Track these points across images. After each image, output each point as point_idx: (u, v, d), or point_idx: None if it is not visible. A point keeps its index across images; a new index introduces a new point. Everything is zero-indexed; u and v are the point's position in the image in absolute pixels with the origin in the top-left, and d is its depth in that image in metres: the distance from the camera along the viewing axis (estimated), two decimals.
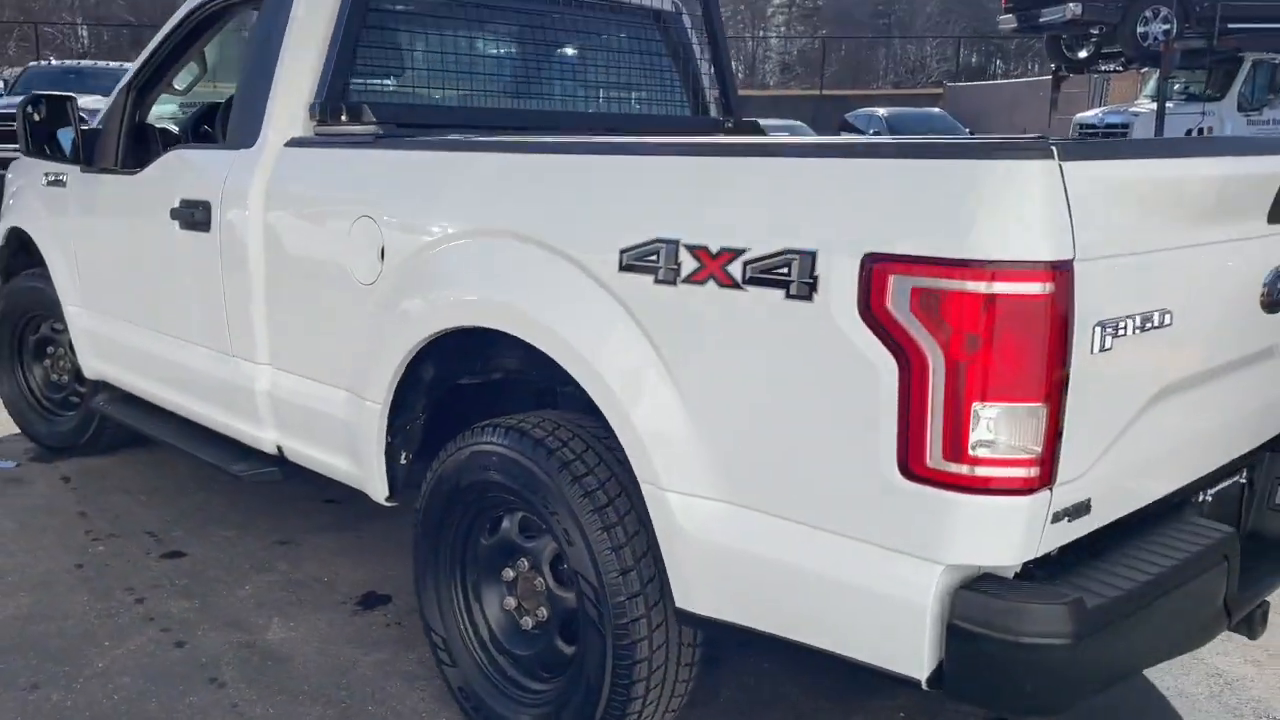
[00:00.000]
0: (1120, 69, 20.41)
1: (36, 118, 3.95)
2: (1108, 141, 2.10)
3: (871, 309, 1.85)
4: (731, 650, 3.08)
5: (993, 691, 1.88)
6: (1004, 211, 1.76)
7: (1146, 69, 19.16)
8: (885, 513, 1.91)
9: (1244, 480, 2.59)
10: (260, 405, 3.39)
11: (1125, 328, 1.89)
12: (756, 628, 2.16)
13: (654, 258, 2.18)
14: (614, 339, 2.27)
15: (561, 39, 3.72)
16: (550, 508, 2.43)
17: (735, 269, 2.05)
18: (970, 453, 1.80)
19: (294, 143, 3.23)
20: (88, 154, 4.03)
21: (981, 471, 1.81)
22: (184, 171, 3.65)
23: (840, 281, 1.89)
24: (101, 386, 4.41)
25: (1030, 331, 1.76)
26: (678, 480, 2.20)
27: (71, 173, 4.27)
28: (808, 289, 1.94)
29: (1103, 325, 1.84)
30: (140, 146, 4.03)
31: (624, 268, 2.24)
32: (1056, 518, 1.88)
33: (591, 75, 3.82)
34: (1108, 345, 1.86)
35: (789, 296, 1.97)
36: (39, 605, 3.48)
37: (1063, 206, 1.75)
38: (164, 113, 5.16)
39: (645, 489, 2.26)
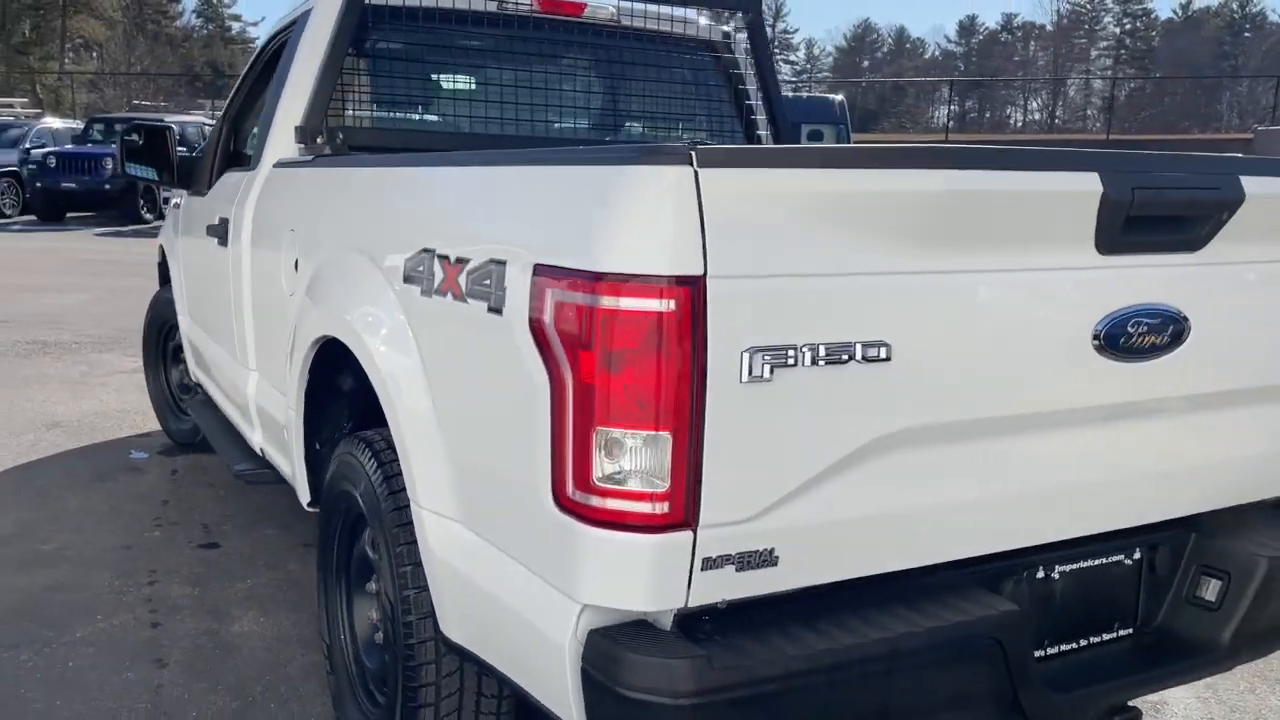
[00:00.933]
0: None
1: (135, 144, 4.43)
2: (777, 149, 1.78)
3: (532, 324, 1.74)
4: None
5: None
6: (629, 221, 1.60)
7: None
8: (546, 544, 1.77)
9: (1134, 561, 2.18)
10: (250, 408, 3.61)
11: (796, 358, 1.64)
12: (488, 662, 2.06)
13: (421, 269, 2.16)
14: (395, 350, 2.26)
15: (532, 65, 3.74)
16: (372, 521, 2.44)
17: (463, 280, 1.99)
18: (595, 483, 1.64)
19: (279, 164, 3.44)
20: (184, 178, 4.48)
21: (606, 504, 1.64)
22: (224, 191, 3.97)
23: (518, 294, 1.79)
24: (198, 389, 4.86)
25: (651, 353, 1.59)
26: (429, 498, 2.14)
27: (183, 196, 4.77)
28: (500, 301, 1.85)
29: (757, 352, 1.62)
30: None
31: (405, 279, 2.23)
32: (711, 564, 1.67)
33: (564, 100, 3.80)
34: (765, 375, 1.63)
35: (489, 309, 1.89)
36: (69, 577, 3.87)
37: (694, 218, 1.57)
38: None
39: (411, 506, 2.22)
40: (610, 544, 1.65)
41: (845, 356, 1.69)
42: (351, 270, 2.53)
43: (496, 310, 1.86)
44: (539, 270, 1.73)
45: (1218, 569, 2.22)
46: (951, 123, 64.18)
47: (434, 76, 3.73)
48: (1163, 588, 2.24)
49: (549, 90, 3.74)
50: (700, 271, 1.57)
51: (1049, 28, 73.97)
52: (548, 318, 1.70)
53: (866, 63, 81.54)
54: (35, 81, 44.15)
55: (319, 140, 3.37)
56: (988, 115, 71.78)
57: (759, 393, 1.64)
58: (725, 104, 4.25)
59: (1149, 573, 2.21)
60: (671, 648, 1.64)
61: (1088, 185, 1.84)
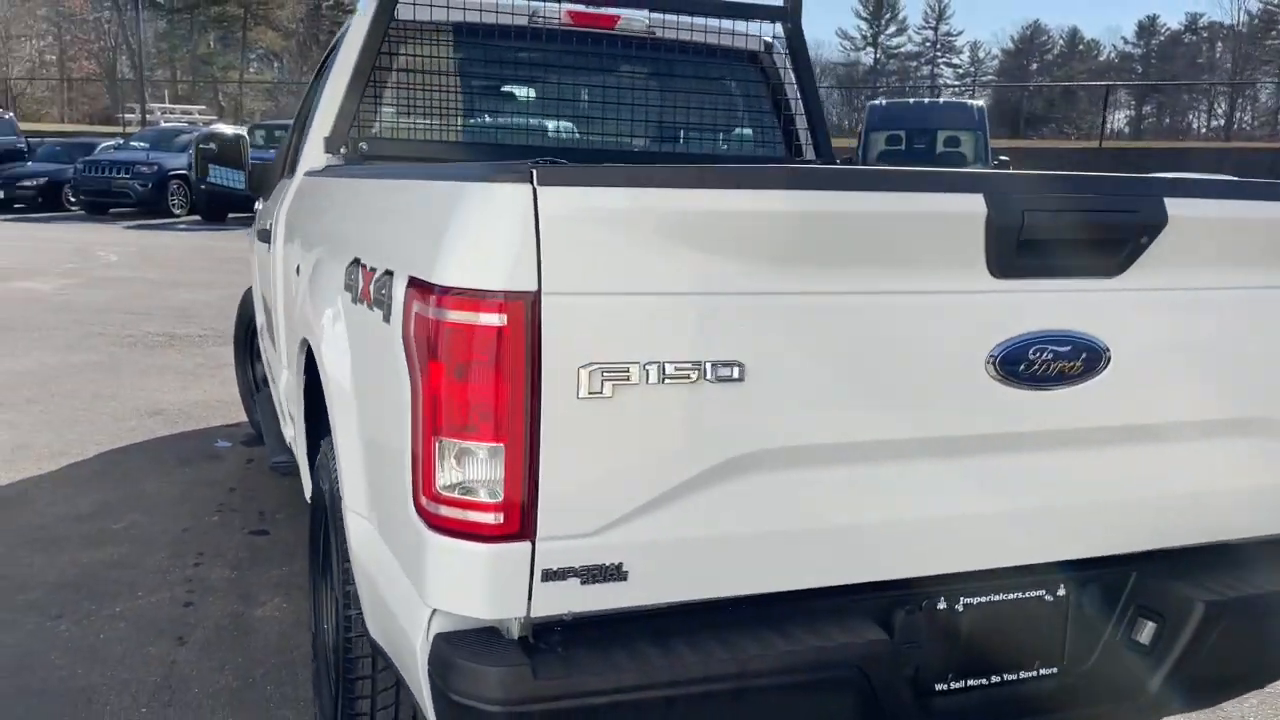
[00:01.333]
0: None
1: (210, 152, 4.70)
2: (625, 168, 1.75)
3: (403, 335, 1.81)
4: None
5: None
6: (469, 237, 1.65)
7: None
8: (410, 548, 1.83)
9: (1057, 598, 2.09)
10: (284, 403, 3.81)
11: (638, 375, 1.65)
12: (391, 660, 2.12)
13: (352, 277, 2.25)
14: (336, 353, 2.35)
15: (555, 78, 3.80)
16: (331, 517, 2.55)
17: (372, 289, 2.07)
18: (439, 491, 1.69)
19: (308, 173, 3.62)
20: (256, 185, 4.74)
21: (449, 513, 1.69)
22: (274, 197, 4.19)
23: (398, 304, 1.85)
24: (265, 384, 5.13)
25: (486, 366, 1.62)
26: (352, 498, 2.23)
27: (261, 200, 5.05)
28: (389, 311, 1.92)
29: (595, 368, 1.64)
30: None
31: (344, 286, 2.33)
32: (552, 576, 1.69)
33: (588, 112, 3.85)
34: (604, 391, 1.64)
35: (384, 318, 1.96)
36: (126, 555, 4.15)
37: (531, 234, 1.60)
38: None
39: (343, 504, 2.31)
40: (453, 551, 1.70)
41: (694, 375, 1.69)
42: (322, 277, 2.65)
43: (387, 319, 1.93)
44: (410, 282, 1.79)
45: (1154, 611, 2.10)
46: (1126, 128, 61.33)
47: (460, 89, 3.84)
48: (1096, 628, 2.13)
49: (573, 103, 3.81)
50: (535, 287, 1.60)
51: (1238, 28, 69.82)
52: (411, 329, 1.76)
53: (1035, 65, 78.68)
54: (217, 90, 47.00)
55: (342, 150, 3.52)
56: (1166, 121, 68.26)
57: (598, 408, 1.65)
58: (765, 114, 4.23)
59: (1077, 611, 2.11)
60: (500, 656, 1.68)
61: (971, 207, 1.78)
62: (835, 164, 4.21)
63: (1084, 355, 1.91)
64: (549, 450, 1.65)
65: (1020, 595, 2.06)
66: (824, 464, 1.82)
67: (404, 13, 3.61)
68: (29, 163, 22.33)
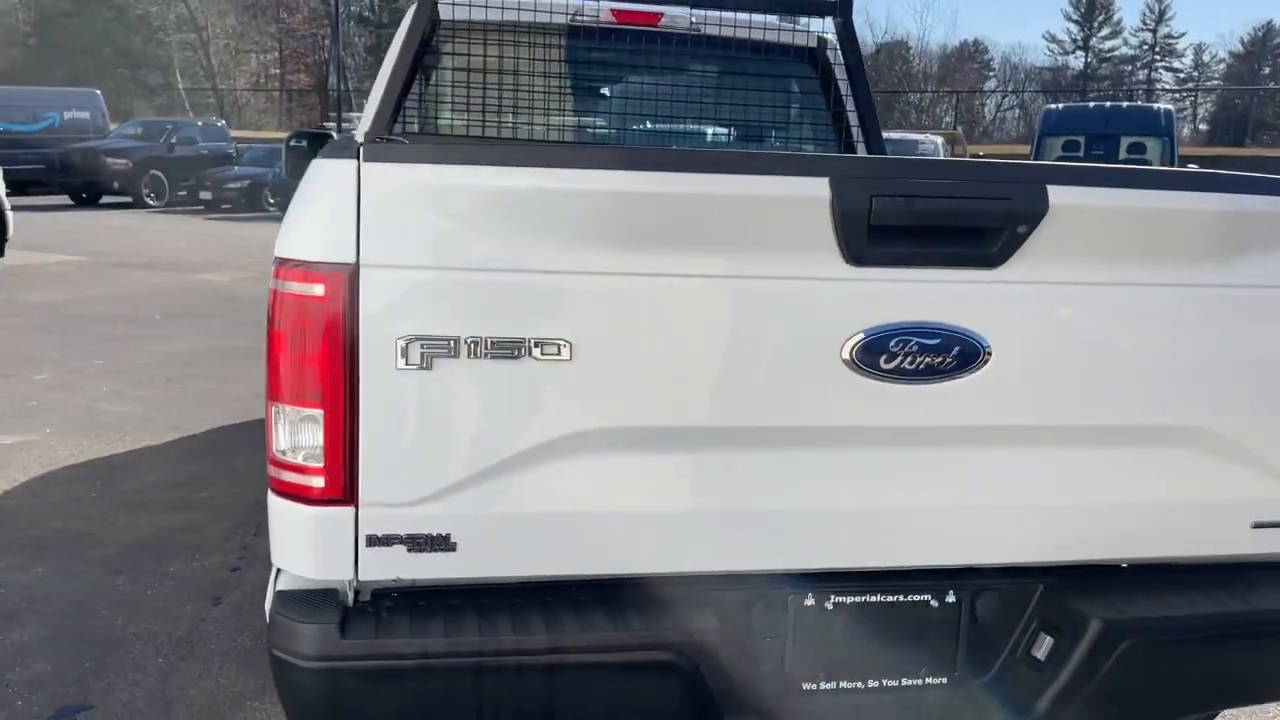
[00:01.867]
0: None
1: (301, 150, 4.99)
2: (455, 146, 1.74)
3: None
4: None
5: (283, 701, 1.79)
6: (301, 211, 1.73)
7: None
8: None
9: (946, 605, 1.99)
10: None
11: (459, 349, 1.69)
12: None
13: None
14: None
15: (599, 74, 3.84)
16: None
17: None
18: (276, 455, 1.78)
19: None
20: None
21: (283, 476, 1.77)
22: None
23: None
24: None
25: (306, 335, 1.70)
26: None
27: None
28: None
29: (414, 340, 1.68)
30: None
31: None
32: (377, 541, 1.75)
33: (628, 108, 3.86)
34: (423, 363, 1.69)
35: None
36: (199, 521, 4.46)
37: (351, 209, 1.66)
38: None
39: None
40: (287, 513, 1.78)
41: (518, 352, 1.71)
42: None
43: None
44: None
45: (1053, 626, 1.98)
46: None
47: (498, 86, 3.94)
48: (994, 639, 2.02)
49: (609, 99, 3.85)
50: (353, 260, 1.67)
51: None
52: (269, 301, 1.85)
53: (1267, 69, 73.21)
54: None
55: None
56: None
57: (418, 380, 1.70)
58: (819, 110, 4.16)
59: (970, 621, 2.00)
60: (313, 614, 1.75)
61: (814, 191, 1.73)
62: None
63: (958, 349, 1.83)
64: (368, 418, 1.71)
65: (900, 599, 1.97)
66: (663, 448, 1.81)
67: (444, 13, 3.76)
68: (235, 167, 24.06)
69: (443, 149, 1.77)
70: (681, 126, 4.04)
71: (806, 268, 1.78)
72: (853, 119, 4.09)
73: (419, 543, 1.77)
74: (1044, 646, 1.98)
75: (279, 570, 1.84)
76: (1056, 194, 1.79)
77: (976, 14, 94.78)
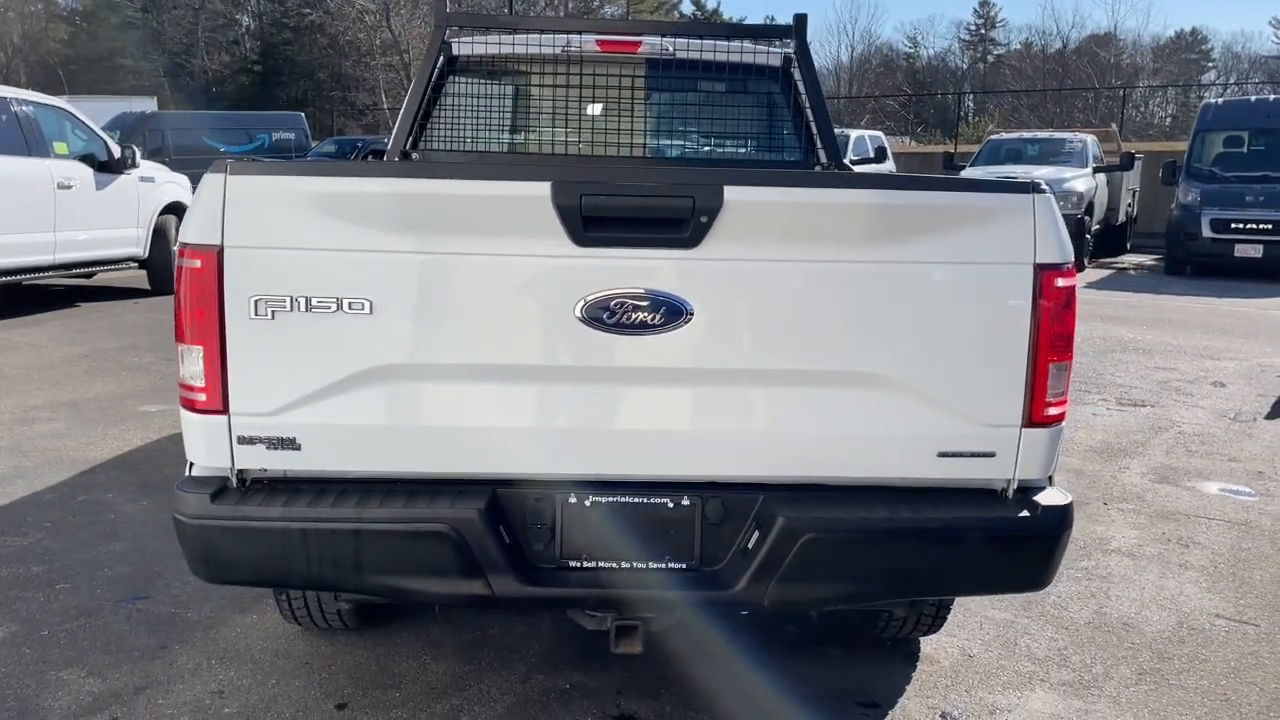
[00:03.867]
0: None
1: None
2: (293, 163, 2.40)
3: None
4: None
5: (181, 547, 2.55)
6: (193, 208, 2.49)
7: None
8: None
9: (683, 507, 2.55)
10: None
11: (291, 305, 2.40)
12: None
13: None
14: None
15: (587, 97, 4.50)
16: None
17: None
18: (181, 379, 2.54)
19: None
20: None
21: (185, 395, 2.53)
22: None
23: None
24: None
25: (193, 294, 2.45)
26: None
27: None
28: None
29: (260, 299, 2.41)
30: None
31: None
32: (246, 441, 2.49)
33: (619, 127, 4.49)
34: (269, 315, 2.41)
35: None
36: None
37: (219, 206, 2.41)
38: None
39: None
40: (188, 422, 2.55)
41: (332, 307, 2.42)
42: None
43: None
44: None
45: (761, 526, 2.52)
46: None
47: (501, 111, 4.67)
48: (725, 536, 2.57)
49: (591, 119, 4.52)
50: (219, 243, 2.42)
51: None
52: None
53: None
54: None
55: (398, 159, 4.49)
56: None
57: (265, 327, 2.43)
58: (786, 124, 4.70)
59: (704, 521, 2.57)
60: (195, 487, 2.50)
61: (539, 192, 2.37)
62: (842, 165, 4.60)
63: (664, 309, 2.42)
64: (233, 353, 2.45)
65: (644, 500, 2.56)
66: (448, 379, 2.49)
67: (455, 49, 4.54)
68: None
69: (283, 165, 2.50)
70: (655, 142, 4.68)
71: (545, 248, 2.42)
72: (814, 127, 4.62)
73: (274, 443, 2.50)
74: (752, 540, 2.53)
75: (190, 463, 2.61)
76: (731, 192, 2.36)
77: (1183, 3, 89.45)
